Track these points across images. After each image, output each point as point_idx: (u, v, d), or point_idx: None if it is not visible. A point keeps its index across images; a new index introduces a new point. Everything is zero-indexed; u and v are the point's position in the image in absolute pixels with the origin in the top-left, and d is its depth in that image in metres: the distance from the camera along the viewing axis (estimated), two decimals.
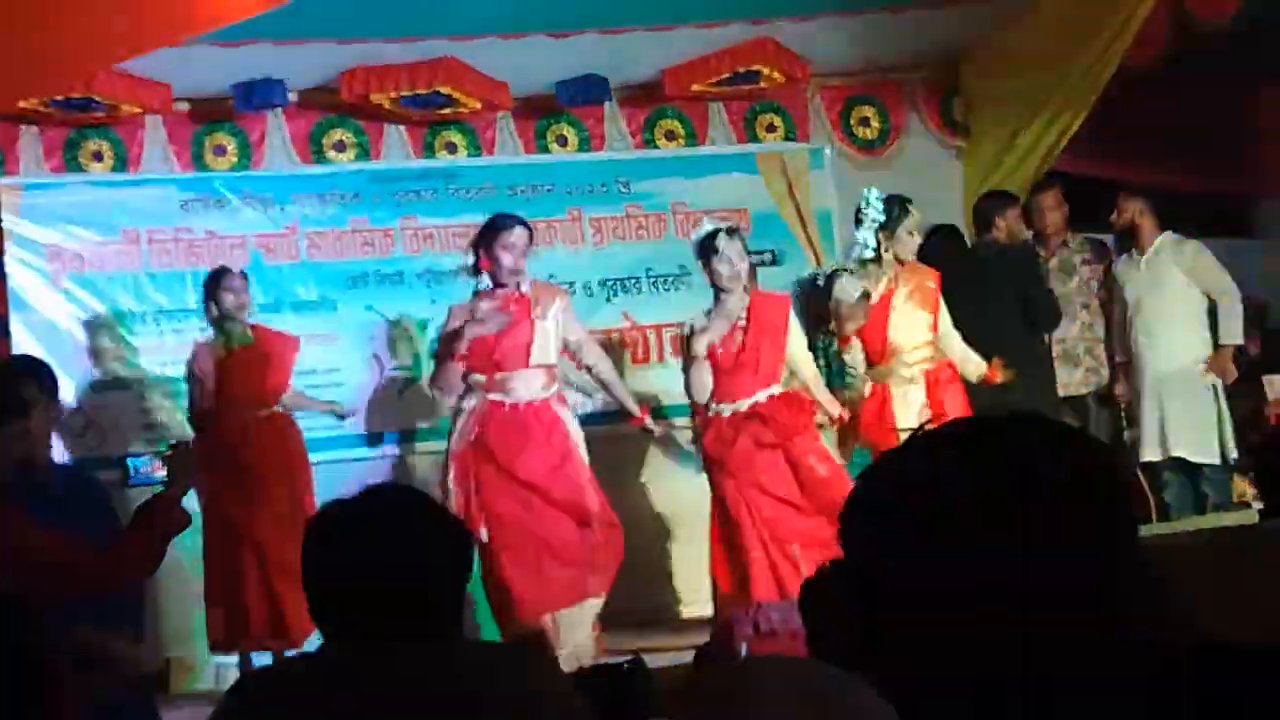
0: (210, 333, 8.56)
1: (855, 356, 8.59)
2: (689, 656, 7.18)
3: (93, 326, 9.13)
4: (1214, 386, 9.31)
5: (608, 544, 8.02)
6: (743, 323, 8.08)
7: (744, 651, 6.97)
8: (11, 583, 4.32)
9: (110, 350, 9.14)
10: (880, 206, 8.47)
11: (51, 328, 8.96)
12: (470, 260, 8.08)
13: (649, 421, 8.58)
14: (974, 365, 8.54)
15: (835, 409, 8.30)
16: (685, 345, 8.14)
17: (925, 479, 1.45)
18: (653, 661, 6.69)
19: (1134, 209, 9.43)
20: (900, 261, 8.52)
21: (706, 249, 8.05)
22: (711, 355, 8.00)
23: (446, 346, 8.03)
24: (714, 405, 8.03)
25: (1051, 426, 1.50)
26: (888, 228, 8.47)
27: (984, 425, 1.51)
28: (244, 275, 8.64)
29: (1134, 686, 1.43)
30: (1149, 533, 6.48)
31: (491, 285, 8.01)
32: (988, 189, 10.10)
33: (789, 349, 8.18)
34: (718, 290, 8.08)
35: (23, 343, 8.67)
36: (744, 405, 8.02)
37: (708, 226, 8.22)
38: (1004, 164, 10.46)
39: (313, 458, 8.70)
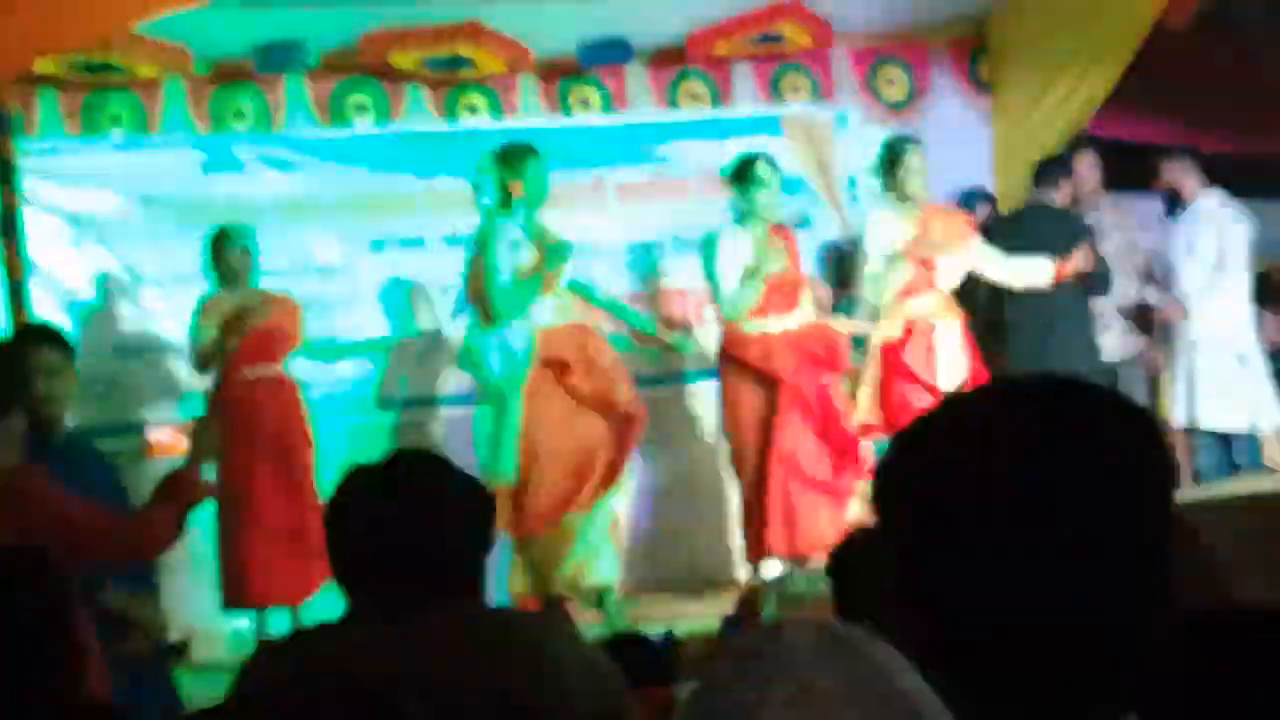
0: (215, 290, 8.57)
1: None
2: (718, 623, 7.23)
3: (112, 291, 9.13)
4: (1246, 353, 9.28)
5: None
6: (777, 244, 8.28)
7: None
8: (42, 544, 4.33)
9: (130, 314, 9.15)
10: (880, 149, 8.55)
11: (70, 292, 8.97)
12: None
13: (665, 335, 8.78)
14: (1037, 269, 8.57)
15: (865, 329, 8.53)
16: (721, 254, 8.31)
17: (966, 446, 1.43)
18: (682, 626, 6.71)
19: (1176, 170, 9.39)
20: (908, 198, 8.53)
21: (748, 176, 8.23)
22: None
23: None
24: (756, 321, 8.17)
25: (1094, 392, 1.48)
26: (891, 172, 8.53)
27: (1025, 390, 1.49)
28: (249, 234, 8.65)
29: (1173, 651, 1.42)
30: (1183, 498, 6.44)
31: None
32: (1016, 149, 10.06)
33: None
34: (751, 216, 8.28)
35: (41, 307, 8.66)
36: (792, 323, 8.23)
37: (743, 153, 8.47)
38: (1032, 124, 10.41)
39: (329, 422, 8.77)
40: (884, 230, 8.52)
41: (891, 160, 8.55)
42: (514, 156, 8.21)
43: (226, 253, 8.52)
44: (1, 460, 4.77)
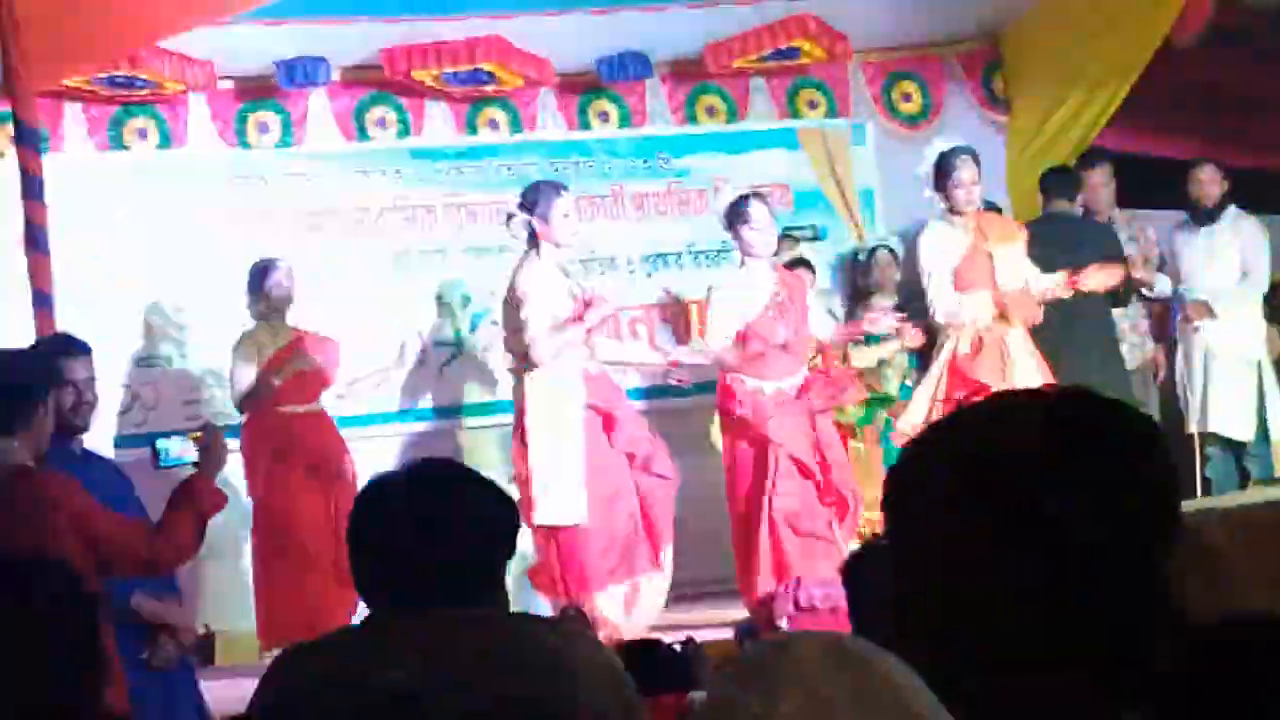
0: (254, 324, 8.60)
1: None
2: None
3: (137, 305, 9.18)
4: (1257, 363, 9.30)
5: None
6: (780, 298, 8.09)
7: (783, 627, 7.01)
8: (72, 556, 4.38)
9: (155, 328, 9.19)
10: (933, 161, 8.37)
11: (96, 306, 8.99)
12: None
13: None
14: (1050, 281, 8.40)
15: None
16: (706, 315, 8.17)
17: (970, 457, 1.45)
18: (703, 635, 6.72)
19: (1206, 183, 9.39)
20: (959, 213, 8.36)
21: (738, 215, 8.04)
22: (747, 338, 8.00)
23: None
24: (751, 381, 8.02)
25: (1099, 402, 1.49)
26: (941, 186, 8.37)
27: (1032, 401, 1.50)
28: (288, 269, 8.63)
29: (1180, 659, 1.45)
30: (1193, 508, 6.48)
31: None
32: (1028, 163, 10.08)
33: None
34: (745, 258, 8.08)
35: (67, 320, 8.72)
36: (787, 385, 8.04)
37: (734, 192, 8.23)
38: (1045, 137, 10.44)
39: (353, 433, 8.79)
40: (940, 244, 8.29)
41: (942, 173, 8.34)
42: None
43: (268, 287, 8.52)
44: (21, 458, 4.80)
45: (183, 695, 5.64)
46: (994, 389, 7.90)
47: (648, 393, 9.01)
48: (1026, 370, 8.03)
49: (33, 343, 6.34)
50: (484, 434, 8.97)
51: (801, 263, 9.37)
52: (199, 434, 5.26)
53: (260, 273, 8.56)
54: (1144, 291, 9.58)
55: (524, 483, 7.68)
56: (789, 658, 1.31)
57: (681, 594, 8.39)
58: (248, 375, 8.45)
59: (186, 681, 5.75)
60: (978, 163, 8.24)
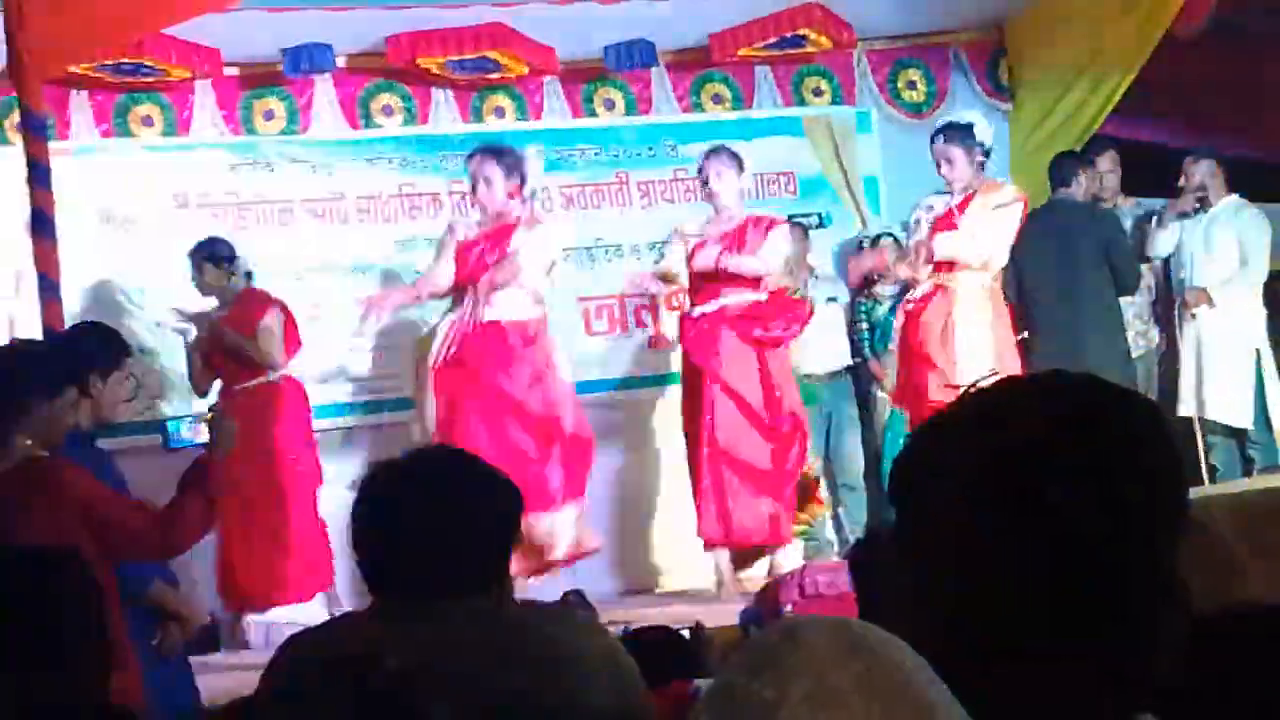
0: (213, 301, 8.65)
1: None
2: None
3: (143, 291, 9.18)
4: (1256, 351, 9.31)
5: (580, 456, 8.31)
6: (728, 235, 8.45)
7: (788, 613, 7.01)
8: (82, 543, 4.39)
9: (158, 314, 9.17)
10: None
11: (102, 292, 9.02)
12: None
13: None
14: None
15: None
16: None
17: (975, 443, 1.44)
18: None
19: (1204, 172, 9.39)
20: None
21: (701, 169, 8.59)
22: (691, 255, 8.48)
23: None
24: (690, 305, 8.56)
25: (1104, 388, 1.47)
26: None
27: (1036, 387, 1.50)
28: (229, 244, 8.69)
29: (1186, 648, 1.43)
30: (1198, 495, 6.48)
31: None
32: (1032, 152, 10.09)
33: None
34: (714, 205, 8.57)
35: (75, 306, 8.73)
36: (713, 306, 8.42)
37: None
38: (1050, 126, 10.44)
39: (344, 422, 8.93)
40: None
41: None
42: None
43: (206, 269, 8.60)
44: (53, 439, 4.84)
45: (181, 684, 5.66)
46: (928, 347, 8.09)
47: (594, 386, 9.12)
48: (964, 337, 8.14)
49: (66, 332, 6.37)
50: None
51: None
52: (209, 414, 5.28)
53: (193, 253, 8.64)
54: (1145, 254, 9.60)
55: None
56: (798, 644, 1.30)
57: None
58: (193, 365, 8.67)
59: (184, 669, 5.79)
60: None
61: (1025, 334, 8.86)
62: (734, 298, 8.43)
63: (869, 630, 1.32)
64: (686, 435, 8.58)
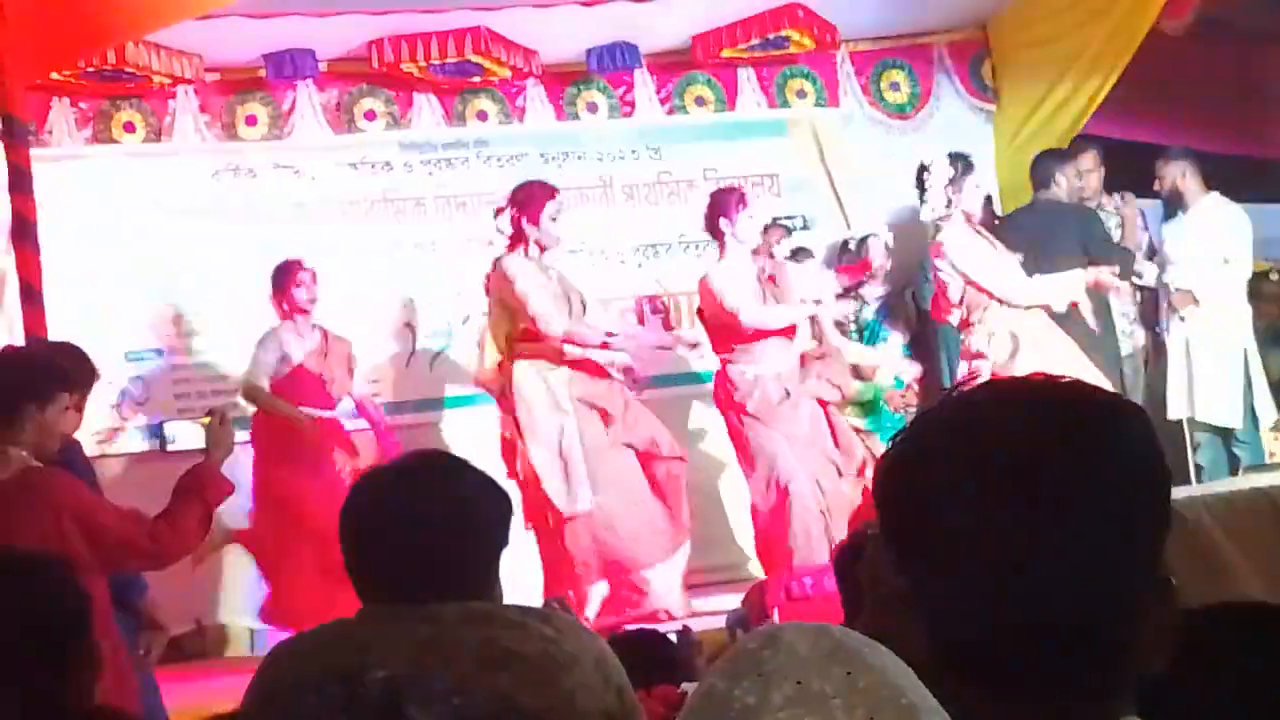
0: (284, 323, 8.57)
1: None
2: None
3: (125, 297, 9.15)
4: (1244, 350, 9.31)
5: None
6: (769, 280, 8.20)
7: (775, 617, 7.02)
8: (76, 553, 4.38)
9: (143, 320, 9.17)
10: (946, 163, 8.34)
11: (85, 299, 8.98)
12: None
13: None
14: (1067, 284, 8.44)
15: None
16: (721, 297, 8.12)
17: (960, 446, 1.43)
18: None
19: (1176, 172, 9.39)
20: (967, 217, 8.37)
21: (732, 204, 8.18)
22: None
23: None
24: (748, 368, 8.08)
25: (1089, 390, 1.48)
26: (955, 183, 8.33)
27: (1021, 389, 1.49)
28: (311, 270, 8.61)
29: (1178, 649, 1.42)
30: (1185, 495, 6.49)
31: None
32: (1016, 152, 10.10)
33: None
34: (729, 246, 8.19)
35: (57, 314, 8.71)
36: (786, 369, 8.14)
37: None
38: (1033, 126, 10.45)
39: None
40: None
41: (960, 175, 8.28)
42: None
43: (292, 288, 8.51)
44: (47, 447, 4.82)
45: (151, 688, 5.63)
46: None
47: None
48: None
49: (51, 344, 6.35)
50: (474, 427, 8.96)
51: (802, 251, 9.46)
52: (207, 419, 5.25)
53: (282, 273, 8.55)
54: (1133, 280, 9.58)
55: (525, 482, 7.76)
56: (779, 649, 1.30)
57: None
58: (262, 373, 8.45)
59: (151, 677, 5.75)
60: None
61: None
62: None
63: (851, 636, 1.32)
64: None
